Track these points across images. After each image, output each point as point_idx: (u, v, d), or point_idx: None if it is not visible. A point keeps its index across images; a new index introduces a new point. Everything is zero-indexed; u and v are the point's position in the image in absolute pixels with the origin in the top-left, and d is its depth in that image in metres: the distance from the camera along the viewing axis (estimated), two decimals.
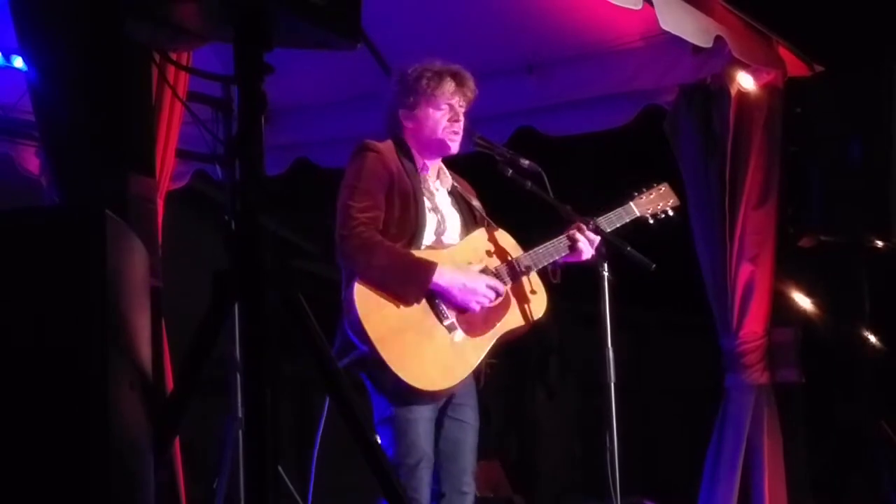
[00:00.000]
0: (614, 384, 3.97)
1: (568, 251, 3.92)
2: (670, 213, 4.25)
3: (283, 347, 2.42)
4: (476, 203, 3.98)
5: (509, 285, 3.83)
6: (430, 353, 3.64)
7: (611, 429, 3.95)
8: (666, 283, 4.79)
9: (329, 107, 5.98)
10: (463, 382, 3.72)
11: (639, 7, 4.31)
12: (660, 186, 4.25)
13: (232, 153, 4.92)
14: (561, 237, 3.92)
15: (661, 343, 8.74)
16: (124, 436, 2.04)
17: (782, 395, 5.35)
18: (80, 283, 1.99)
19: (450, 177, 3.95)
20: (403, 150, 3.84)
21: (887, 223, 5.27)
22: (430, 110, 3.82)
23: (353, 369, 3.63)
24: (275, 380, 2.21)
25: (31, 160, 5.65)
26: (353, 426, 2.29)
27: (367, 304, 3.60)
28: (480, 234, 3.89)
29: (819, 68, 5.58)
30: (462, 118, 3.85)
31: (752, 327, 5.30)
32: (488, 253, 3.85)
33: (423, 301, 3.67)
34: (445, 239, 3.83)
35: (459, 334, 3.70)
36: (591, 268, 3.99)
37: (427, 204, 3.80)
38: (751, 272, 5.29)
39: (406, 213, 3.74)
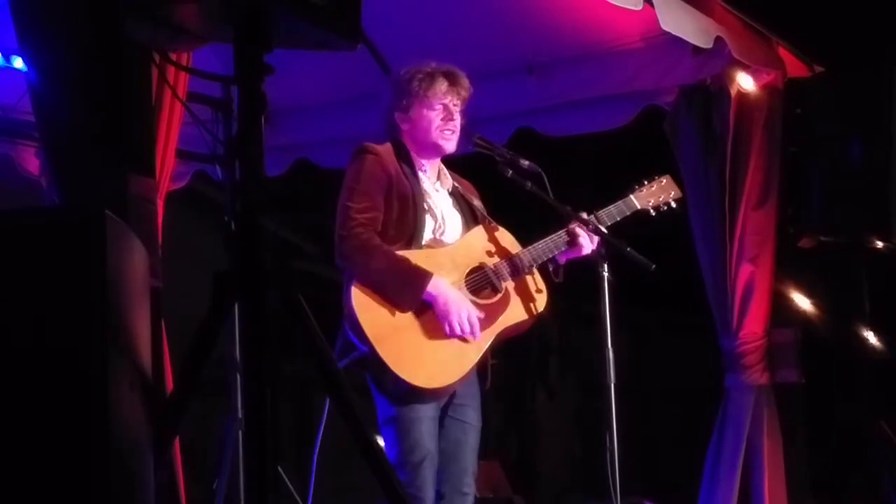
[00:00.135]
0: (614, 384, 3.97)
1: (567, 246, 3.91)
2: (673, 204, 4.23)
3: (283, 347, 2.42)
4: (477, 203, 3.97)
5: (509, 282, 3.82)
6: (429, 351, 3.64)
7: (611, 429, 3.94)
8: (666, 284, 4.79)
9: (329, 107, 5.97)
10: (464, 381, 3.72)
11: (639, 7, 4.31)
12: (661, 178, 4.24)
13: (232, 154, 4.91)
14: (560, 232, 3.92)
15: (661, 343, 8.72)
16: (124, 436, 2.04)
17: (782, 396, 5.35)
18: (80, 284, 1.99)
19: (450, 177, 3.95)
20: (402, 153, 3.84)
21: (887, 223, 5.26)
22: (424, 111, 3.83)
23: (354, 370, 3.63)
24: (275, 380, 2.21)
25: (31, 160, 5.65)
26: (353, 426, 2.29)
27: (365, 304, 3.60)
28: (479, 232, 3.88)
29: (819, 69, 5.57)
30: (457, 117, 3.85)
31: (752, 328, 5.30)
32: (487, 251, 3.85)
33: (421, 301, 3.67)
34: (445, 239, 3.82)
35: None
36: (591, 268, 3.99)
37: (426, 205, 3.80)
38: (751, 272, 5.29)
39: (404, 215, 3.74)
